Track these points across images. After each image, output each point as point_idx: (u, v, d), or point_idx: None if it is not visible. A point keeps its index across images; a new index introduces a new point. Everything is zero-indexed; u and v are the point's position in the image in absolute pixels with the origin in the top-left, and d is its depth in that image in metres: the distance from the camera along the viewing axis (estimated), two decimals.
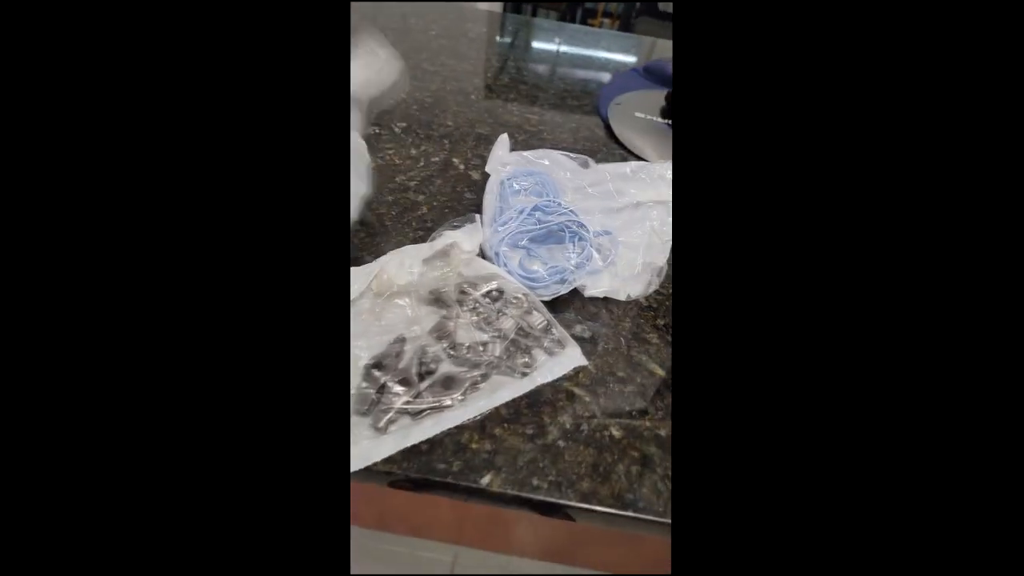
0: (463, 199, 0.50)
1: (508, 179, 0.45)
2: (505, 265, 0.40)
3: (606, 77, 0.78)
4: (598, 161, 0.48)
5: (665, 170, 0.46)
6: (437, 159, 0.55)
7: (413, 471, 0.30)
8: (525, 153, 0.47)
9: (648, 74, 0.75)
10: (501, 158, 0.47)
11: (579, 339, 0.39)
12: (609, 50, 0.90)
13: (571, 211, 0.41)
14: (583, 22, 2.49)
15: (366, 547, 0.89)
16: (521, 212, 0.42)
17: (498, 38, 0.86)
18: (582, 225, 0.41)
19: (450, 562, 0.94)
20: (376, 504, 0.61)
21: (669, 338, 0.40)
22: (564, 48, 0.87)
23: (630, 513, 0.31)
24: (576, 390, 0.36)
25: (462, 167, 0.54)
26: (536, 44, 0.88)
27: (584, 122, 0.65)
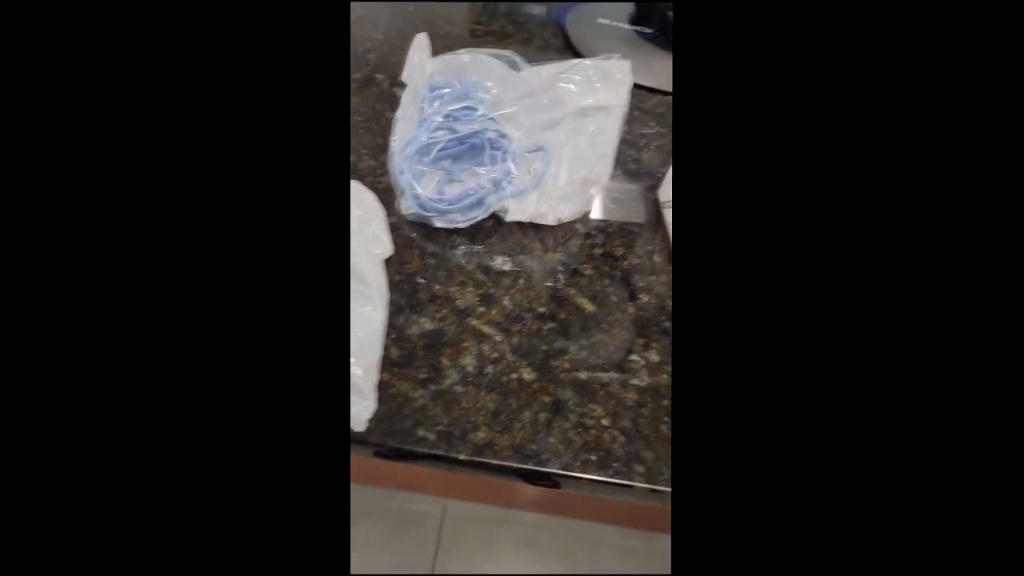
0: (382, 119, 0.43)
1: (427, 88, 0.38)
2: (413, 189, 0.34)
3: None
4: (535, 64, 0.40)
5: (620, 69, 0.38)
6: (359, 75, 0.47)
7: None
8: (445, 56, 0.40)
9: None
10: (420, 64, 0.40)
11: (498, 272, 0.33)
12: None
13: (490, 118, 0.35)
14: None
15: (356, 501, 0.89)
16: (432, 123, 0.35)
17: None
18: (503, 135, 0.35)
19: (439, 513, 0.94)
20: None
21: (605, 268, 0.34)
22: None
23: (527, 466, 0.26)
24: (485, 328, 0.31)
25: (386, 84, 0.47)
26: None
27: (539, 33, 0.57)
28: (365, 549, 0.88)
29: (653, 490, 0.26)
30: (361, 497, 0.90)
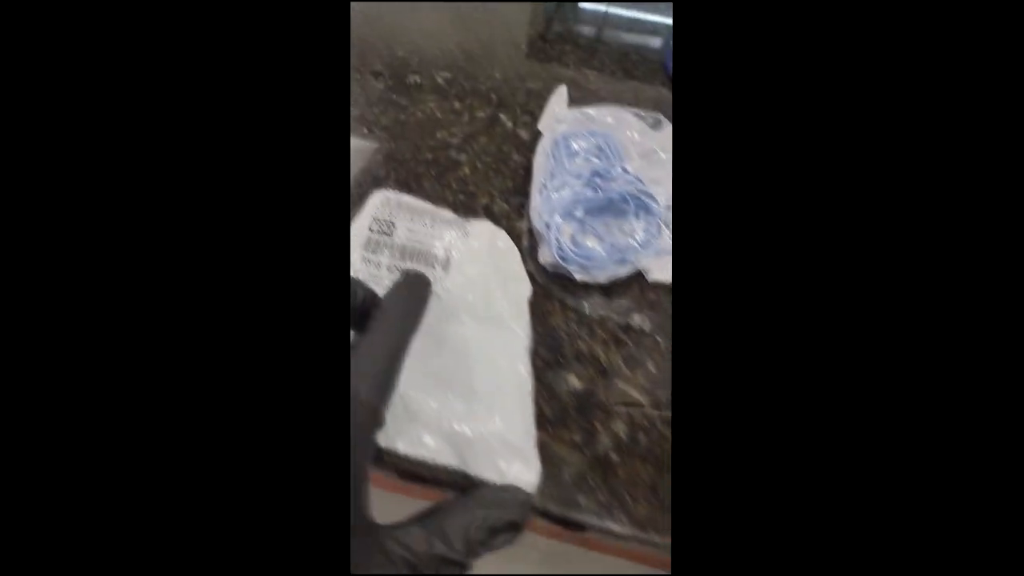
0: (510, 160, 0.44)
1: (564, 138, 0.39)
2: (557, 240, 0.34)
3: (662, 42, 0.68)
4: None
5: None
6: (483, 114, 0.48)
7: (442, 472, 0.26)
8: (587, 109, 0.40)
9: None
10: (557, 114, 0.41)
11: (637, 331, 0.33)
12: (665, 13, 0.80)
13: (637, 179, 0.35)
14: None
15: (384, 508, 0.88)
16: (578, 178, 0.36)
17: None
18: (651, 196, 0.35)
19: None
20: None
21: None
22: (614, 9, 0.77)
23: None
24: (633, 392, 0.30)
25: (510, 124, 0.48)
26: (584, 4, 0.78)
27: (648, 80, 0.57)
28: None
29: None
30: (391, 505, 0.90)
